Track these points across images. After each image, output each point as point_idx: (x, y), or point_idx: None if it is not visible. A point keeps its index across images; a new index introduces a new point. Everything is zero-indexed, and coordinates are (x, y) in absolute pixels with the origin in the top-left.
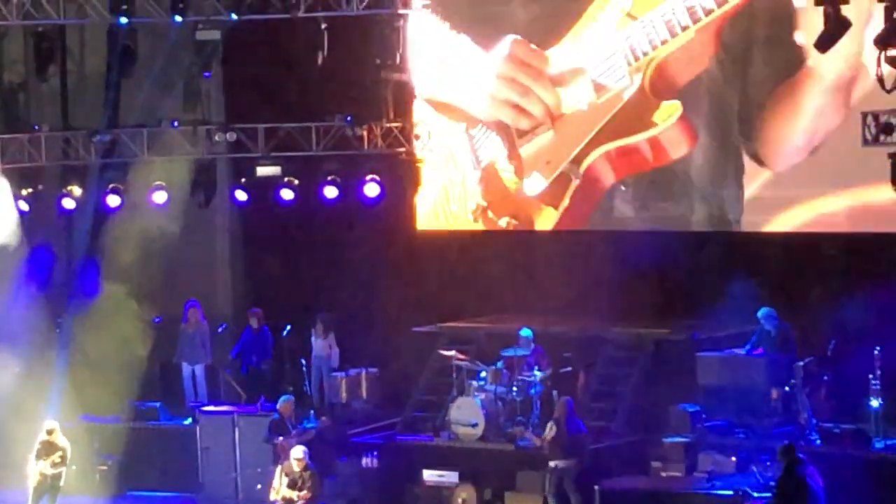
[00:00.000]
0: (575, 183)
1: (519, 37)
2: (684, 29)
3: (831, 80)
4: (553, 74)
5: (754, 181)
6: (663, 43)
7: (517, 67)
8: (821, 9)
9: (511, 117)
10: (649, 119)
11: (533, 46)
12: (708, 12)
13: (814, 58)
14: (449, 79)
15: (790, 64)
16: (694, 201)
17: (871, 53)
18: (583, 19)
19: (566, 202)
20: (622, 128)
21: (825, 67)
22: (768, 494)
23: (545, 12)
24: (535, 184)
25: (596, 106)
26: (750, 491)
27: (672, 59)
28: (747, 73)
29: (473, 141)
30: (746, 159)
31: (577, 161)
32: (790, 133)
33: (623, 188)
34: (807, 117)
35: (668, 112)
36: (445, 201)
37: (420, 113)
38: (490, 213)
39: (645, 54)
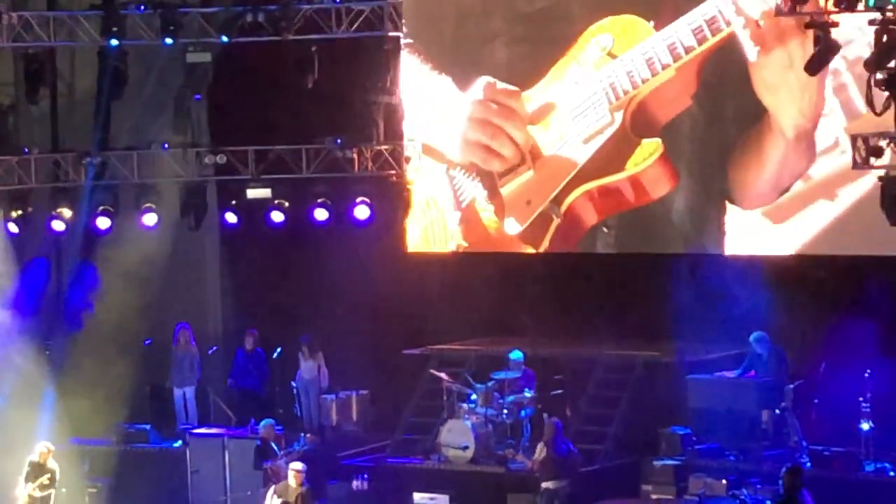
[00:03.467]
0: (556, 223)
1: (491, 78)
2: (665, 67)
3: (791, 132)
4: (531, 114)
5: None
6: (644, 81)
7: (488, 109)
8: (772, 61)
9: (482, 159)
10: (630, 158)
11: (505, 86)
12: (688, 50)
13: (773, 110)
14: (428, 121)
15: (754, 111)
16: (676, 244)
17: (833, 105)
18: (563, 59)
19: (547, 242)
20: (603, 167)
21: (784, 120)
22: None
23: (526, 53)
24: (516, 224)
25: (576, 146)
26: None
27: (653, 97)
28: (722, 113)
29: (454, 182)
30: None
31: (558, 201)
32: (755, 178)
33: (605, 230)
34: (771, 165)
35: (649, 150)
36: (426, 244)
37: (410, 134)
38: None
39: (626, 92)
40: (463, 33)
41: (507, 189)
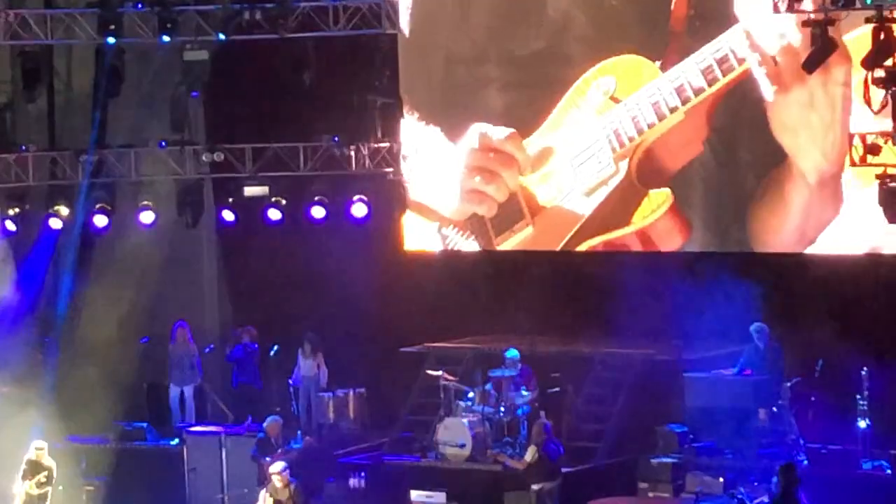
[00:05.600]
0: None
1: (485, 126)
2: (673, 110)
3: (814, 177)
4: (530, 163)
5: None
6: (650, 126)
7: (484, 155)
8: (791, 100)
9: (478, 204)
10: (637, 210)
11: (501, 129)
12: (698, 91)
13: (793, 154)
14: (417, 175)
15: (773, 156)
16: None
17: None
18: (562, 105)
19: None
20: (608, 220)
21: (805, 164)
22: None
23: (521, 99)
24: None
25: (578, 198)
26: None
27: (661, 144)
28: (738, 158)
29: (447, 241)
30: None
31: None
32: (778, 229)
33: None
34: (794, 215)
35: (658, 202)
36: None
37: (407, 132)
38: None
39: (631, 139)
40: (453, 80)
41: (505, 247)
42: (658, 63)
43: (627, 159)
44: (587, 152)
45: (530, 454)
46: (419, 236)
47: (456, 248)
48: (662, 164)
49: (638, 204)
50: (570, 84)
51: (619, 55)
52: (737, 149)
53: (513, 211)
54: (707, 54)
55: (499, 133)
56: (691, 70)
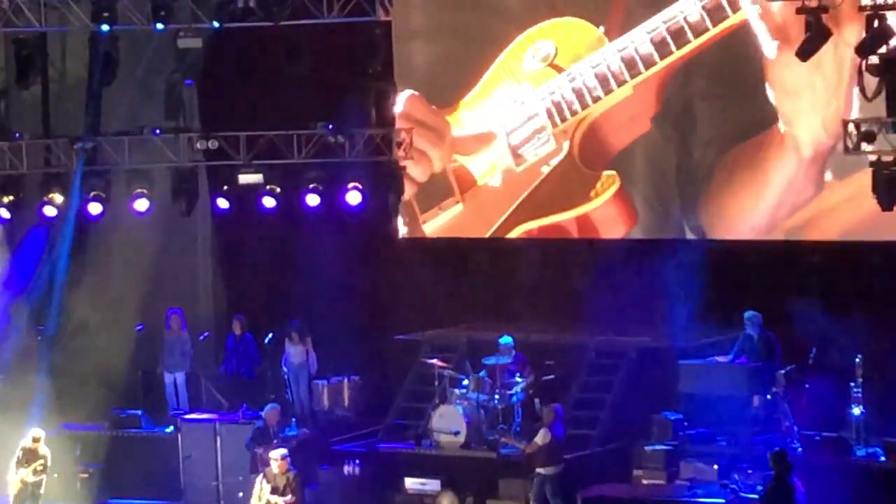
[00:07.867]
0: None
1: (416, 92)
2: (620, 84)
3: (809, 150)
4: (459, 137)
5: None
6: (595, 100)
7: (410, 125)
8: (797, 58)
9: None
10: (579, 192)
11: (433, 107)
12: (649, 64)
13: (790, 121)
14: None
15: (742, 127)
16: None
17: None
18: (495, 69)
19: None
20: (546, 203)
21: (803, 134)
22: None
23: (447, 56)
24: None
25: (514, 176)
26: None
27: (606, 120)
28: (694, 134)
29: None
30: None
31: None
32: (750, 207)
33: None
34: (773, 191)
35: (603, 185)
36: None
37: (402, 120)
38: None
39: (573, 114)
40: None
41: (432, 225)
42: (602, 29)
43: (569, 135)
44: (525, 127)
45: (542, 436)
46: None
47: None
48: (607, 142)
49: (581, 186)
50: (504, 43)
51: (560, 17)
52: (692, 124)
53: (440, 186)
54: (658, 23)
55: (428, 106)
56: (641, 40)
